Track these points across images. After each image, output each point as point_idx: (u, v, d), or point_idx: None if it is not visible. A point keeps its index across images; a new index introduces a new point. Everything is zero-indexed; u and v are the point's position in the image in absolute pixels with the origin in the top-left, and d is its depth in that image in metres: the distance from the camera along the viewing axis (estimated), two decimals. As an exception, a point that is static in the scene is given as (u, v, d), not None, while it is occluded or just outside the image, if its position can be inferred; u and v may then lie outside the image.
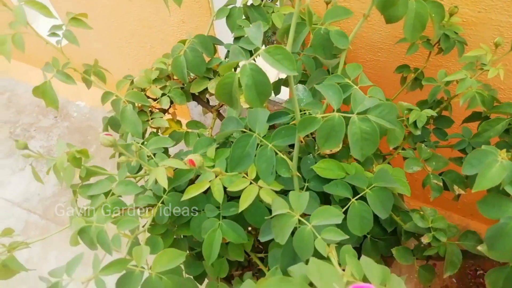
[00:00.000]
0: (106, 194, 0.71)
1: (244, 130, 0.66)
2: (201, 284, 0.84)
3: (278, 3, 0.95)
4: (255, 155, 0.63)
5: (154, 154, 0.76)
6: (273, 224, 0.55)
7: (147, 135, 0.93)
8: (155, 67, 0.95)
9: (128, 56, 1.72)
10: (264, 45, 0.45)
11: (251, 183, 0.67)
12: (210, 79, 0.96)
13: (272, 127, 0.77)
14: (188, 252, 0.86)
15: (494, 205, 0.54)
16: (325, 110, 0.70)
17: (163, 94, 0.93)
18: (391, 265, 0.91)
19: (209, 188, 0.68)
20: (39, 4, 0.71)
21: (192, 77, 0.98)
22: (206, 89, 0.96)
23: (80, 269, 0.60)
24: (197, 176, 0.75)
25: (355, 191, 0.66)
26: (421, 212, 0.70)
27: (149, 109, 0.94)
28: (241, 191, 0.66)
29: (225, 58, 1.03)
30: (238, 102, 0.48)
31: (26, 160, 1.98)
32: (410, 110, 0.77)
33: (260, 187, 0.66)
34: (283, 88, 0.99)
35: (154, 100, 0.94)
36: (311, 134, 0.84)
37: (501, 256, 0.55)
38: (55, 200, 1.83)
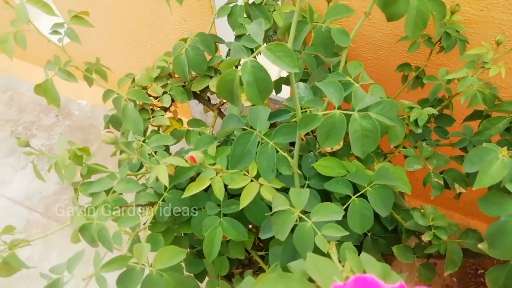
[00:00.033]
0: (107, 191, 0.71)
1: (245, 127, 0.66)
2: (201, 282, 0.85)
3: (279, 1, 0.95)
4: (256, 153, 0.63)
5: (155, 152, 0.76)
6: (273, 220, 0.55)
7: (148, 133, 0.93)
8: (157, 65, 0.95)
9: (129, 55, 1.72)
10: (265, 44, 0.45)
11: (252, 180, 0.67)
12: (211, 77, 0.96)
13: (273, 126, 0.77)
14: (188, 250, 0.86)
15: (495, 202, 0.54)
16: (326, 108, 0.70)
17: (164, 92, 0.94)
18: (391, 264, 0.91)
19: (210, 186, 0.68)
20: (41, 2, 0.71)
21: (193, 75, 0.98)
22: (207, 87, 0.96)
23: (81, 267, 0.60)
24: (198, 174, 0.75)
25: (355, 189, 0.66)
26: (422, 210, 0.70)
27: (150, 107, 0.94)
28: (242, 188, 0.66)
29: (226, 57, 1.03)
30: (239, 99, 0.48)
31: (27, 159, 1.99)
32: (411, 108, 0.77)
33: (261, 185, 0.66)
34: (284, 86, 0.99)
35: (156, 98, 0.94)
36: (312, 132, 0.84)
37: (501, 254, 0.55)
38: (57, 199, 1.84)
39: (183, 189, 0.68)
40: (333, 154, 0.77)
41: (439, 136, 0.86)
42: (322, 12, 0.73)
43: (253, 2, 0.92)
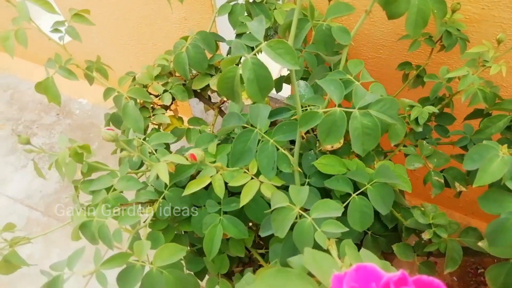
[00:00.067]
0: (108, 189, 0.71)
1: (246, 125, 0.66)
2: (202, 280, 0.85)
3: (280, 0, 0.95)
4: (256, 151, 0.63)
5: (156, 150, 0.76)
6: (273, 217, 0.55)
7: (148, 132, 0.93)
8: (157, 63, 0.95)
9: (130, 54, 1.72)
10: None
11: (252, 178, 0.67)
12: (212, 75, 0.96)
13: (273, 124, 0.77)
14: (189, 248, 0.86)
15: (495, 200, 0.54)
16: (327, 106, 0.70)
17: (165, 91, 0.94)
18: (391, 262, 0.91)
19: (210, 184, 0.68)
20: (42, 0, 0.71)
21: (194, 73, 0.98)
22: (208, 85, 0.96)
23: (82, 266, 0.60)
24: (198, 172, 0.75)
25: (356, 186, 0.66)
26: (422, 208, 0.70)
27: (151, 105, 0.94)
28: (242, 186, 0.66)
29: (227, 55, 1.03)
30: (240, 97, 0.48)
31: (28, 157, 1.99)
32: (411, 106, 0.77)
33: (261, 183, 0.66)
34: (285, 86, 0.99)
35: (156, 96, 0.95)
36: (313, 130, 0.84)
37: (501, 252, 0.55)
38: (57, 197, 1.84)
39: (184, 187, 0.68)
40: (333, 152, 0.77)
41: (439, 135, 0.86)
42: (323, 10, 0.73)
43: (254, 1, 0.92)
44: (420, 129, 0.76)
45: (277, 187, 0.67)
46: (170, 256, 0.57)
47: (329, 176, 0.69)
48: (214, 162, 0.75)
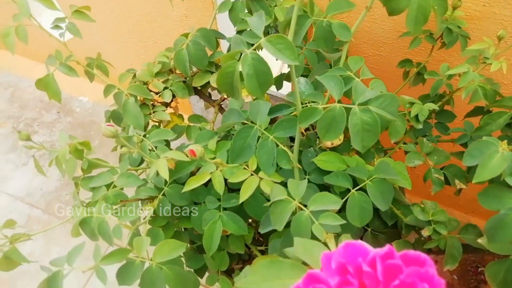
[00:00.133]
0: (108, 186, 0.71)
1: (246, 122, 0.66)
2: (201, 277, 0.85)
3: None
4: (256, 147, 0.63)
5: (156, 147, 0.76)
6: (271, 210, 0.56)
7: (149, 129, 0.93)
8: (158, 60, 0.95)
9: (130, 51, 1.72)
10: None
11: (252, 174, 0.67)
12: (212, 73, 0.96)
13: (273, 122, 0.77)
14: (189, 245, 0.86)
15: (495, 196, 0.54)
16: (327, 102, 0.70)
17: (165, 88, 0.94)
18: (391, 260, 0.91)
19: (210, 180, 0.68)
20: (42, -3, 0.71)
21: (194, 71, 0.98)
22: (208, 83, 0.96)
23: (81, 262, 0.60)
24: (198, 169, 0.75)
25: (355, 183, 0.66)
26: (422, 205, 0.70)
27: (151, 102, 0.94)
28: (242, 182, 0.66)
29: (227, 52, 1.02)
30: (239, 92, 0.48)
31: (28, 155, 1.99)
32: (412, 103, 0.77)
33: (261, 179, 0.66)
34: (285, 84, 0.99)
35: (156, 93, 0.95)
36: (312, 127, 0.84)
37: (501, 248, 0.55)
38: (58, 195, 1.84)
39: (183, 184, 0.68)
40: (333, 149, 0.77)
41: (440, 132, 0.86)
42: (323, 7, 0.73)
43: (254, -3, 0.92)
44: (420, 126, 0.76)
45: (277, 184, 0.67)
46: (169, 252, 0.58)
47: (328, 173, 0.69)
48: (214, 158, 0.75)
